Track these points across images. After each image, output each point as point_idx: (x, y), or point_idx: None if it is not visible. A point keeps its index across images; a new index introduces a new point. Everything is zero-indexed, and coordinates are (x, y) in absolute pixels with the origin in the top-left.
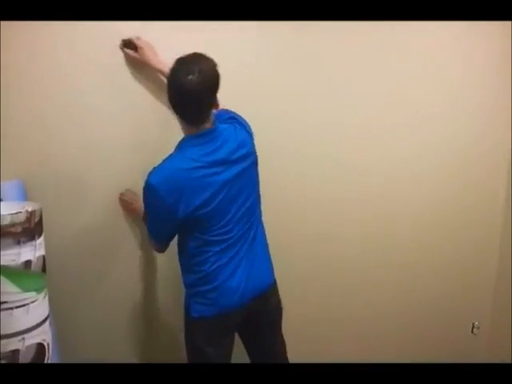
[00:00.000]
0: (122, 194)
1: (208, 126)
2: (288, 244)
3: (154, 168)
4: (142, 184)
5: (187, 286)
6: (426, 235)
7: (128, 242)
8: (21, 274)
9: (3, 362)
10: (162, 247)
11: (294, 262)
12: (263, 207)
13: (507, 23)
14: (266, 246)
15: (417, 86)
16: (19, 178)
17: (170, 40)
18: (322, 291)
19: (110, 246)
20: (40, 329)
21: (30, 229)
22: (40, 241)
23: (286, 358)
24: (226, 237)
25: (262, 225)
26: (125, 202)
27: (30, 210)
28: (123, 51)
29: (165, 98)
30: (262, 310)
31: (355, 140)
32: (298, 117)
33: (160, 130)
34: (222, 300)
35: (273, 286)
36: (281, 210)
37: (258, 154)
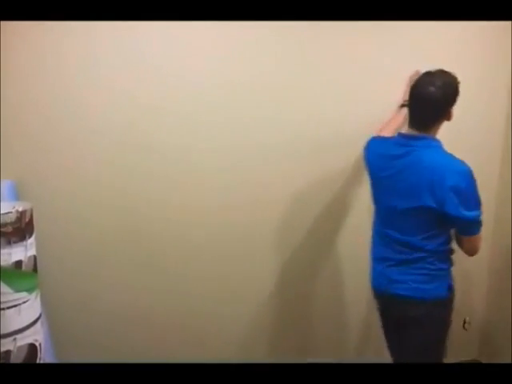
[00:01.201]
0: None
1: (422, 133)
2: (288, 243)
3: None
4: (136, 184)
5: None
6: None
7: (121, 242)
8: (12, 274)
9: None
10: None
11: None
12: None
13: (507, 23)
14: (429, 270)
15: None
16: (11, 178)
17: (170, 39)
18: (318, 289)
19: (102, 245)
20: (32, 329)
21: (21, 229)
22: (31, 241)
23: None
24: (383, 227)
25: (436, 258)
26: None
27: (20, 209)
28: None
29: (164, 98)
30: (398, 316)
31: (354, 137)
32: (298, 116)
33: (158, 131)
34: (372, 276)
35: (410, 300)
36: (286, 209)
37: (259, 151)
